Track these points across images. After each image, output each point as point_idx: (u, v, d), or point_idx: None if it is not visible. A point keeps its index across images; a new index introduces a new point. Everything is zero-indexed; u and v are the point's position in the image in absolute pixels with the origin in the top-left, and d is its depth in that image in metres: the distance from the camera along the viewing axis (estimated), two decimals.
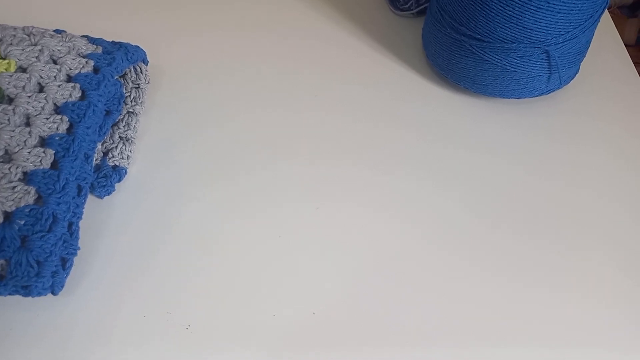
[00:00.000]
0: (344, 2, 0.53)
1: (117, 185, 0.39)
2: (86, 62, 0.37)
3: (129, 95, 0.41)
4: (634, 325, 0.36)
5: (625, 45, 0.54)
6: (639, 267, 0.38)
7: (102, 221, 0.37)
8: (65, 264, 0.33)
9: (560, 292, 0.37)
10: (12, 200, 0.31)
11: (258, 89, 0.46)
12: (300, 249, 0.37)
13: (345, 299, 0.35)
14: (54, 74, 0.35)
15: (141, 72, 0.41)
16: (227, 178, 0.40)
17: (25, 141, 0.33)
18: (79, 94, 0.35)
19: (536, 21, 0.39)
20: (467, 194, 0.41)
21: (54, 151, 0.33)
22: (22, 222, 0.31)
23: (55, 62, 0.36)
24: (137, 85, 0.41)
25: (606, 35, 0.53)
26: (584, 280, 0.37)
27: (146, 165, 0.40)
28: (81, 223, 0.35)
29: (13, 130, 0.33)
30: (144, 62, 0.41)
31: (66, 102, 0.35)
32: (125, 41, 0.41)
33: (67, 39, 0.37)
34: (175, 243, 0.37)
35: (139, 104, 0.41)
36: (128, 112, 0.41)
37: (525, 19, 0.39)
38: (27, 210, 0.31)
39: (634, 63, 0.52)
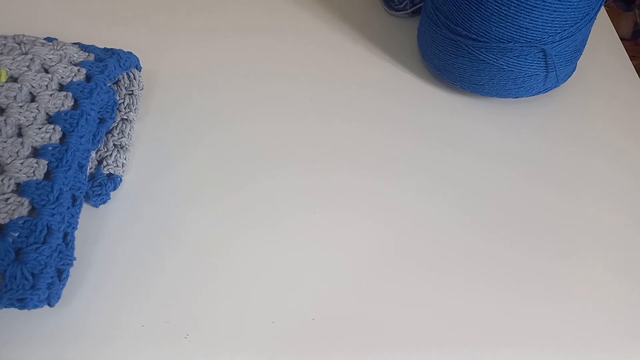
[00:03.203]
0: (338, 3, 0.53)
1: (112, 193, 0.39)
2: (78, 70, 0.36)
3: (123, 102, 0.41)
4: (633, 329, 0.35)
5: (621, 39, 0.54)
6: (637, 271, 0.38)
7: (98, 230, 0.37)
8: (61, 274, 0.33)
9: (557, 295, 0.36)
10: (6, 212, 0.31)
11: (253, 92, 0.45)
12: (299, 255, 0.37)
13: (344, 305, 0.35)
14: (46, 83, 0.35)
15: (134, 79, 0.41)
16: (223, 184, 0.40)
17: (17, 152, 0.32)
18: (72, 103, 0.35)
19: (532, 20, 0.38)
20: (466, 197, 0.41)
21: (47, 161, 0.33)
22: (16, 234, 0.31)
23: (46, 71, 0.36)
24: (130, 92, 0.41)
25: (602, 31, 0.53)
26: (582, 284, 0.37)
27: (141, 172, 0.40)
28: (77, 232, 0.35)
29: (5, 141, 0.32)
30: (137, 68, 0.41)
31: (59, 111, 0.34)
32: (118, 47, 0.41)
33: (59, 47, 0.37)
34: (172, 251, 0.37)
35: (133, 111, 0.41)
36: (122, 119, 0.40)
37: (521, 18, 0.38)
38: (21, 222, 0.31)
39: (630, 57, 0.52)
